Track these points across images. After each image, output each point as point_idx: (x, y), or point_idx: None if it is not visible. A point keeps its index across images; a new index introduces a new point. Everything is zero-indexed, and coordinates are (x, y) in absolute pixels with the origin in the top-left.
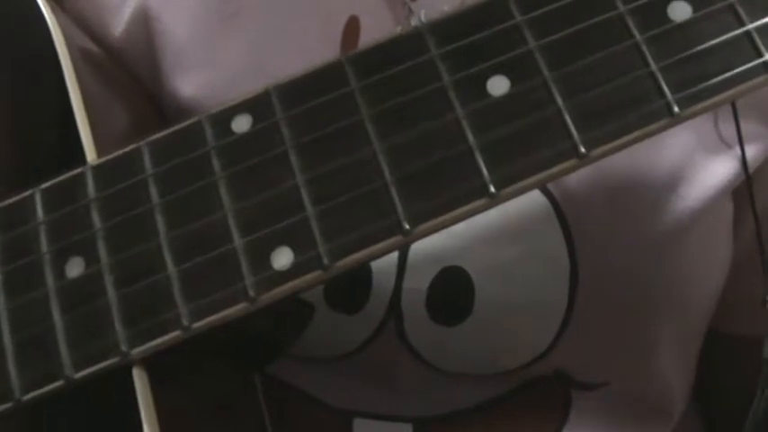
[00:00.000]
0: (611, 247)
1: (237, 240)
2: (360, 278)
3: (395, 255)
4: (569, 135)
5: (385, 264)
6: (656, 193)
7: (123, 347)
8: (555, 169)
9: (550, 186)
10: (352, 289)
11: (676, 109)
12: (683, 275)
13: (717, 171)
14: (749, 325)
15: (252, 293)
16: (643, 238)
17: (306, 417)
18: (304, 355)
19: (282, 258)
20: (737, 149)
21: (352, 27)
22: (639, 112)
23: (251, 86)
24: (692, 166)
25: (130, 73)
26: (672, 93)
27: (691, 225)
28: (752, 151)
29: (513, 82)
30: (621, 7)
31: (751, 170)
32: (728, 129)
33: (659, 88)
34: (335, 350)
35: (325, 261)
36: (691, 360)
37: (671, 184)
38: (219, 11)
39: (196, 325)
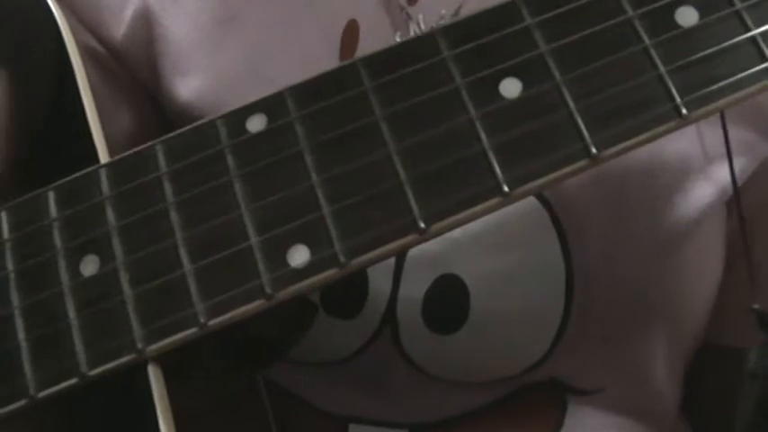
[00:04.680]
0: (607, 256)
1: (253, 238)
2: (356, 284)
3: (391, 262)
4: (581, 136)
5: (381, 271)
6: (653, 203)
7: (139, 345)
8: (567, 169)
9: (547, 194)
10: (348, 295)
11: (684, 111)
12: (679, 284)
13: (713, 180)
14: (735, 335)
15: (269, 290)
16: (639, 247)
17: (301, 422)
18: (300, 360)
19: (299, 256)
20: (735, 158)
21: (352, 30)
22: (649, 115)
23: (250, 90)
24: (689, 176)
25: (131, 74)
26: (680, 95)
27: (687, 234)
28: (742, 160)
29: (526, 84)
30: (630, 12)
31: (743, 179)
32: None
33: (668, 91)
34: (331, 355)
35: (342, 259)
36: (683, 368)
37: (667, 193)
38: (218, 14)
39: (213, 322)
